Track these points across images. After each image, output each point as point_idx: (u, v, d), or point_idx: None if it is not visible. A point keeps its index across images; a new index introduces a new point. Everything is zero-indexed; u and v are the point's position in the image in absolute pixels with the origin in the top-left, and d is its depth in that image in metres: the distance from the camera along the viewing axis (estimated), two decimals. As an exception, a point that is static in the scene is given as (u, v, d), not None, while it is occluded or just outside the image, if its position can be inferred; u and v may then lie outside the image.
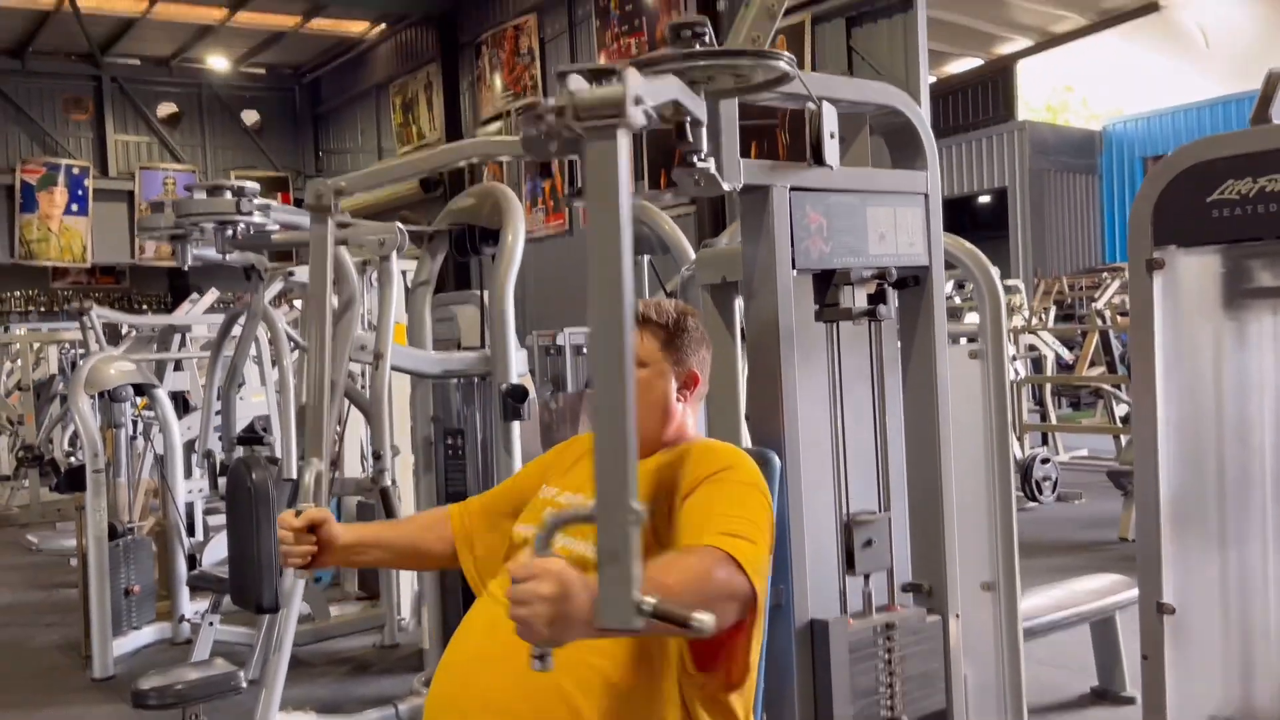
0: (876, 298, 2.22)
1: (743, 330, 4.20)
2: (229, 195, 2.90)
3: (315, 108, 20.28)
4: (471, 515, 1.98)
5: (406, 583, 5.23)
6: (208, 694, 2.96)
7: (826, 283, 2.19)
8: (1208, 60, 15.96)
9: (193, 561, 5.15)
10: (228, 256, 3.07)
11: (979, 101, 16.90)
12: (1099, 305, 9.32)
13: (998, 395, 2.53)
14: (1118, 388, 9.33)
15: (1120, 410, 9.58)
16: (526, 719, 1.58)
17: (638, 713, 1.60)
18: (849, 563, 2.14)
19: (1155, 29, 14.59)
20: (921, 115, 2.33)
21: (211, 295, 8.61)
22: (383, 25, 17.77)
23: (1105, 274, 10.07)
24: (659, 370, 1.83)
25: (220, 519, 6.93)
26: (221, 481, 4.63)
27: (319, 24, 17.73)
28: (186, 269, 3.15)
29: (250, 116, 20.05)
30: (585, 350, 8.55)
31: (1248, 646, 2.03)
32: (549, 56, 14.28)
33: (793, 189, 2.07)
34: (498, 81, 15.40)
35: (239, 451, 3.76)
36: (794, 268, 2.07)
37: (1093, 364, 9.43)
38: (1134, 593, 3.86)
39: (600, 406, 1.26)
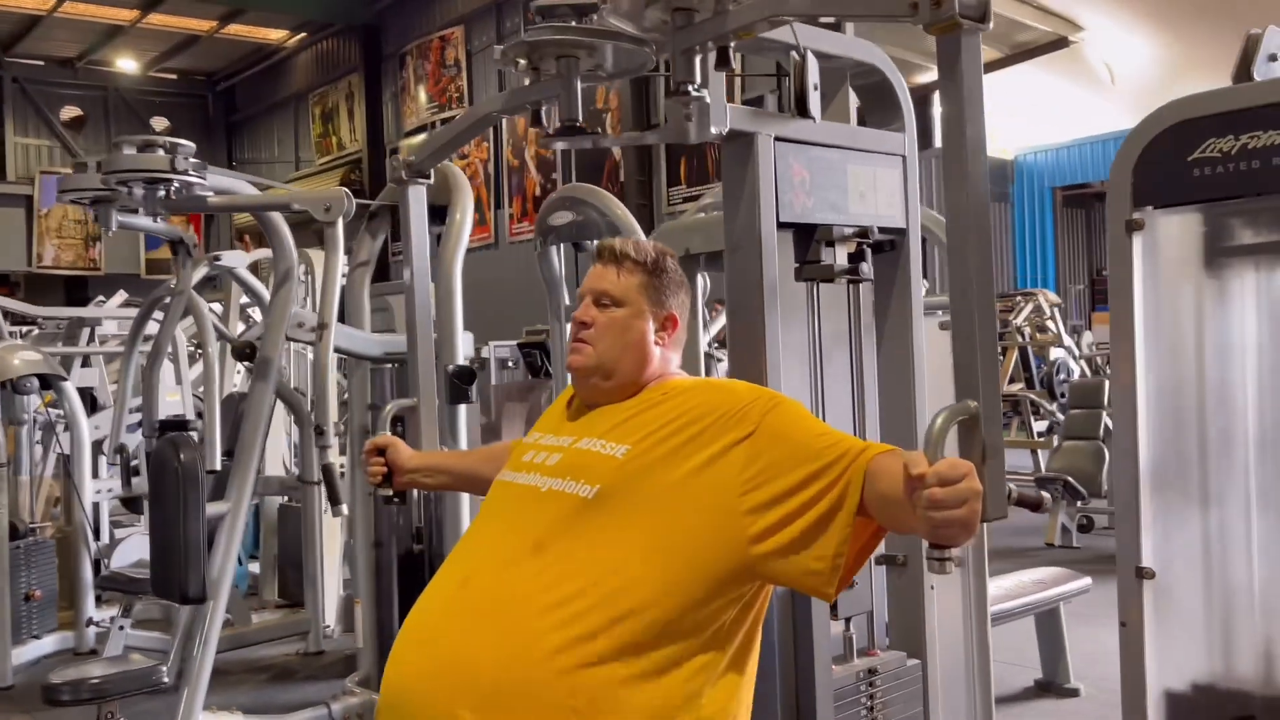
0: (855, 259, 2.17)
1: (709, 303, 4.11)
2: (162, 152, 2.71)
3: (229, 116, 19.72)
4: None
5: (332, 589, 5.00)
6: (126, 689, 2.74)
7: (806, 241, 2.12)
8: (1113, 95, 16.61)
9: (98, 566, 4.84)
10: (157, 219, 2.87)
11: (897, 129, 17.23)
12: (1017, 322, 9.54)
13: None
14: (1035, 408, 9.56)
15: (1039, 425, 9.81)
16: (503, 683, 1.44)
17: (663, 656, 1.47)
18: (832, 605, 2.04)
19: (1065, 64, 15.13)
20: (899, 77, 2.30)
21: (120, 296, 8.23)
22: (303, 34, 17.40)
23: (1019, 298, 10.33)
24: (636, 310, 1.73)
25: (130, 529, 6.59)
26: (137, 480, 4.37)
27: (236, 29, 17.27)
28: (110, 233, 2.94)
29: (160, 123, 19.36)
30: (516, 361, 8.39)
31: (1230, 610, 2.01)
32: (476, 69, 14.14)
33: (777, 138, 2.00)
34: (422, 94, 15.19)
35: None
36: (778, 221, 2.00)
37: (1012, 380, 9.64)
38: (1081, 583, 3.90)
39: (958, 307, 1.44)
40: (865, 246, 2.16)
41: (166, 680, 2.83)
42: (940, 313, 2.58)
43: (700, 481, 1.53)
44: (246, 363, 4.56)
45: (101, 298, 8.92)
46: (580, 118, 1.92)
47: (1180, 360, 2.05)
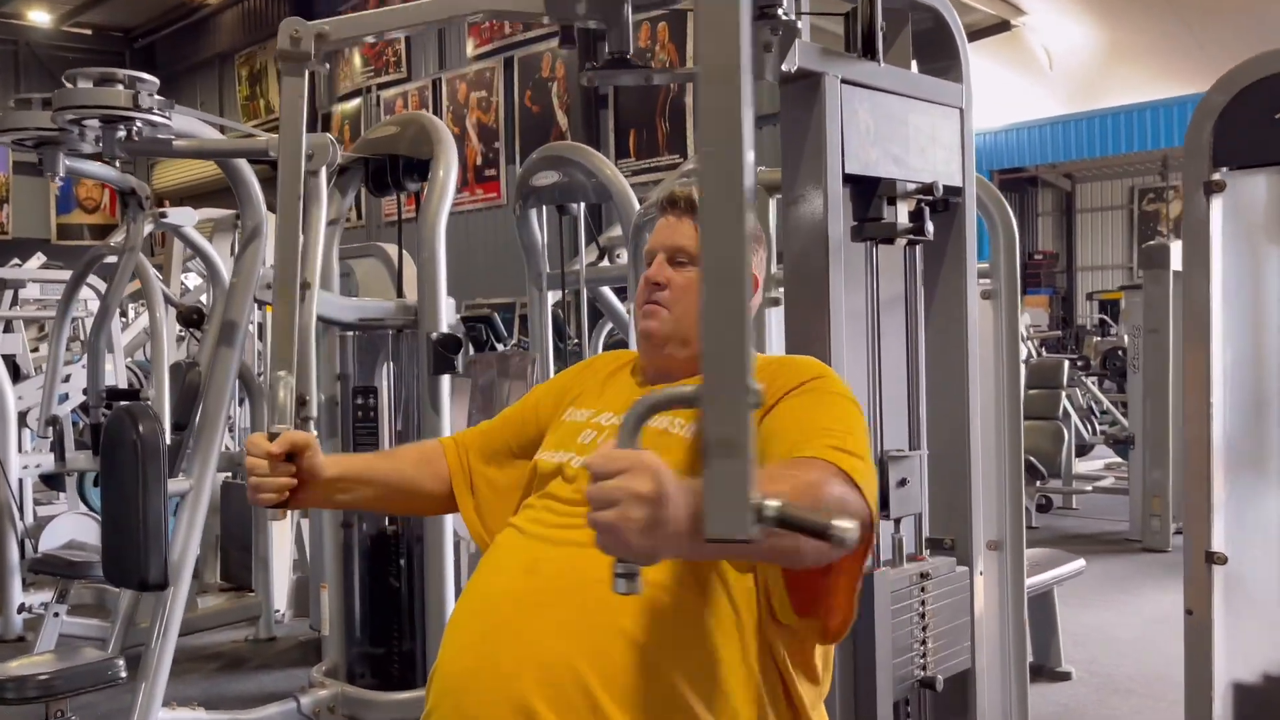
0: (914, 219, 1.99)
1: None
2: (121, 88, 2.41)
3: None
4: (469, 451, 1.63)
5: (283, 571, 4.71)
6: (79, 686, 2.46)
7: (867, 197, 1.94)
8: (1050, 81, 16.82)
9: (23, 548, 4.48)
10: (116, 164, 2.57)
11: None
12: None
13: (1010, 338, 2.35)
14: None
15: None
16: (589, 677, 1.24)
17: (713, 663, 1.28)
18: (883, 503, 1.89)
19: (1007, 48, 15.25)
20: (958, 21, 2.12)
21: (39, 258, 7.72)
22: (229, -10, 16.66)
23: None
24: None
25: (52, 507, 6.17)
26: (75, 453, 4.03)
27: (157, -16, 16.47)
28: (57, 179, 2.63)
29: (74, 80, 18.42)
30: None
31: (1309, 597, 1.90)
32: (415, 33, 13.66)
33: (844, 81, 1.81)
34: (356, 57, 14.64)
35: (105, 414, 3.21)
36: (844, 172, 1.82)
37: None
38: (1075, 565, 3.81)
39: (707, 268, 0.96)
40: (924, 205, 1.99)
41: (124, 676, 2.55)
42: (985, 281, 2.43)
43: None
44: (193, 329, 4.24)
45: (17, 260, 8.37)
46: (630, 49, 1.71)
47: (1262, 332, 1.92)
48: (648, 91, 10.55)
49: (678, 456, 1.33)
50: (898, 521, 1.96)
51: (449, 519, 3.02)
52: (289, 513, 1.54)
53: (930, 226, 1.96)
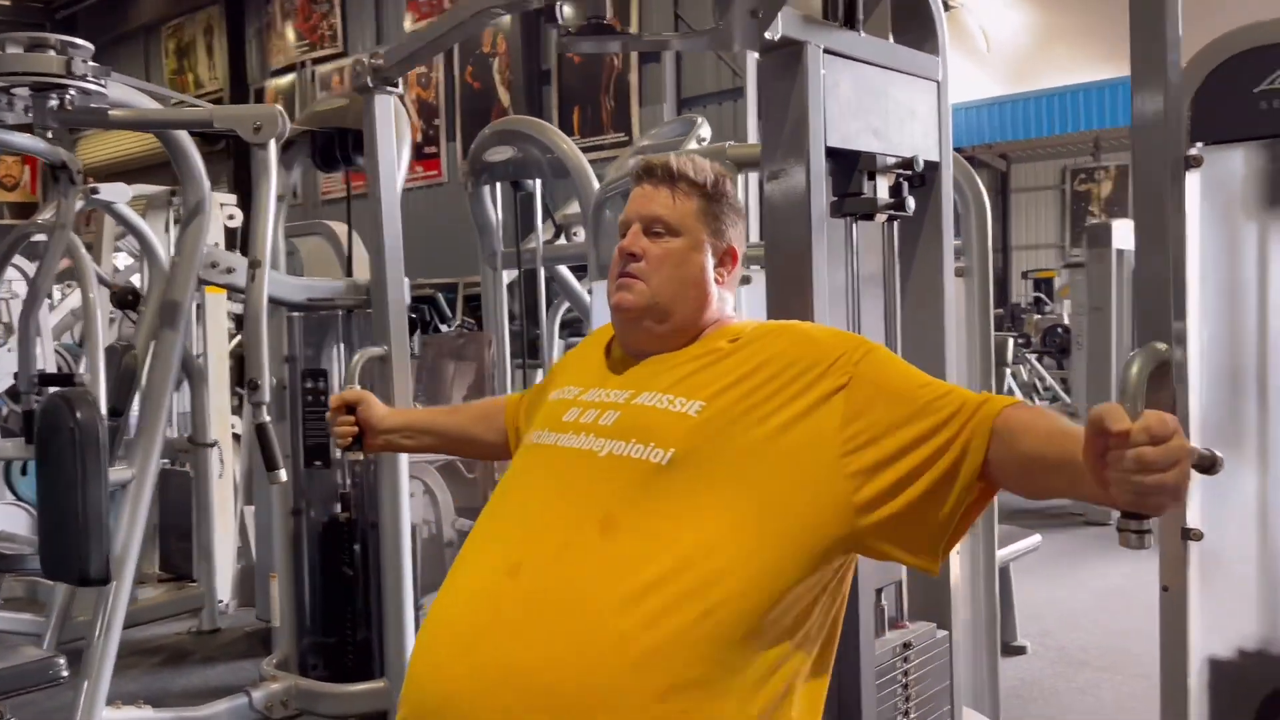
0: (893, 193, 1.95)
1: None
2: (53, 53, 2.26)
3: (70, 48, 18.14)
4: (520, 409, 1.69)
5: (226, 560, 4.56)
6: (20, 686, 2.34)
7: (847, 172, 1.89)
8: (987, 63, 17.02)
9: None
10: (49, 135, 2.41)
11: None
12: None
13: (983, 317, 2.33)
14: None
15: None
16: (581, 697, 1.17)
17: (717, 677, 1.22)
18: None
19: (949, 27, 15.40)
20: (935, -8, 2.08)
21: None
22: (155, -40, 16.10)
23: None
24: (694, 240, 1.48)
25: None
26: (2, 441, 3.83)
27: (78, -48, 15.85)
28: (-16, 153, 2.47)
29: (-10, 52, 17.68)
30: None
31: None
32: (350, 5, 13.34)
33: (826, 50, 1.76)
34: (290, 31, 14.26)
35: (37, 398, 3.06)
36: (826, 143, 1.76)
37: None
38: (1031, 540, 3.85)
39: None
40: (903, 179, 1.95)
41: (65, 675, 2.43)
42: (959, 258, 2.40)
43: (791, 440, 1.28)
44: (129, 310, 4.06)
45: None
46: (607, 14, 1.63)
47: (1239, 308, 1.92)
48: (592, 68, 10.43)
49: (680, 433, 1.29)
50: (879, 591, 1.93)
51: (407, 506, 2.95)
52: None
53: (911, 201, 1.92)
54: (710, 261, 1.49)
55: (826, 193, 1.81)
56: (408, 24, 12.60)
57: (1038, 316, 10.59)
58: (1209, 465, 1.20)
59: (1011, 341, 7.20)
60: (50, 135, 2.51)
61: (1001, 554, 3.64)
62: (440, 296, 6.79)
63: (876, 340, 1.97)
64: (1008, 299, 18.17)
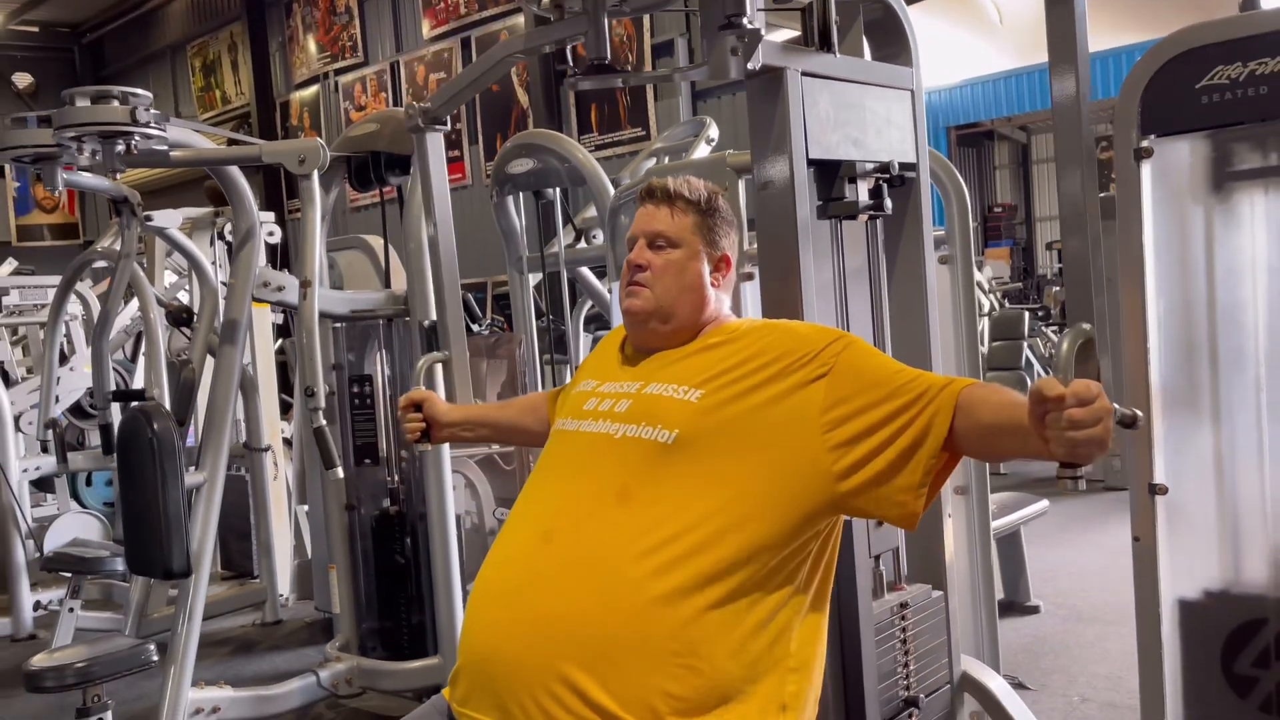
0: (873, 195, 2.17)
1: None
2: (117, 104, 2.53)
3: (99, 70, 18.55)
4: (558, 401, 1.90)
5: (284, 557, 4.87)
6: (114, 671, 2.62)
7: (829, 178, 2.12)
8: (1001, 36, 16.99)
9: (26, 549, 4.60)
10: (116, 177, 2.68)
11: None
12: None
13: (966, 301, 2.54)
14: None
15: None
16: (618, 638, 1.41)
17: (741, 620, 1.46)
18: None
19: (958, 6, 15.40)
20: (905, 8, 2.29)
21: (10, 264, 7.74)
22: (177, -19, 16.46)
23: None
24: (691, 251, 1.71)
25: (42, 509, 6.26)
26: (75, 454, 4.14)
27: (101, -23, 16.23)
28: (57, 192, 2.74)
29: (23, 79, 18.14)
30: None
31: (1241, 520, 2.11)
32: (369, 15, 13.62)
33: (804, 74, 1.98)
34: (311, 43, 14.57)
35: (115, 414, 3.34)
36: (807, 156, 1.99)
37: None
38: (1039, 505, 4.05)
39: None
40: (882, 182, 2.17)
41: (155, 659, 2.71)
42: (942, 247, 2.61)
43: (778, 416, 1.52)
44: (184, 328, 4.35)
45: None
46: (609, 55, 1.87)
47: (1190, 283, 2.12)
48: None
49: (683, 416, 1.51)
50: (878, 558, 2.15)
51: (451, 497, 3.20)
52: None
53: (889, 202, 2.14)
54: (707, 268, 1.73)
55: (811, 199, 2.03)
56: (426, 30, 12.87)
57: (1056, 289, 10.69)
58: (1130, 421, 1.41)
59: (1027, 315, 7.36)
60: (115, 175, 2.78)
61: (1011, 519, 3.86)
62: (470, 297, 7.05)
63: (864, 328, 2.21)
64: (1033, 271, 18.21)
